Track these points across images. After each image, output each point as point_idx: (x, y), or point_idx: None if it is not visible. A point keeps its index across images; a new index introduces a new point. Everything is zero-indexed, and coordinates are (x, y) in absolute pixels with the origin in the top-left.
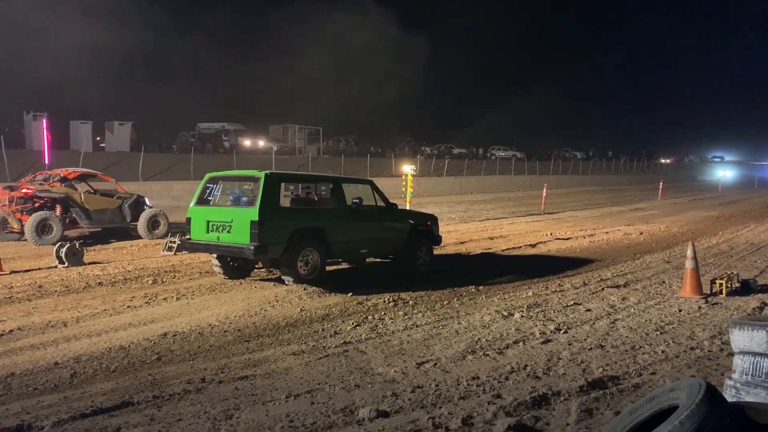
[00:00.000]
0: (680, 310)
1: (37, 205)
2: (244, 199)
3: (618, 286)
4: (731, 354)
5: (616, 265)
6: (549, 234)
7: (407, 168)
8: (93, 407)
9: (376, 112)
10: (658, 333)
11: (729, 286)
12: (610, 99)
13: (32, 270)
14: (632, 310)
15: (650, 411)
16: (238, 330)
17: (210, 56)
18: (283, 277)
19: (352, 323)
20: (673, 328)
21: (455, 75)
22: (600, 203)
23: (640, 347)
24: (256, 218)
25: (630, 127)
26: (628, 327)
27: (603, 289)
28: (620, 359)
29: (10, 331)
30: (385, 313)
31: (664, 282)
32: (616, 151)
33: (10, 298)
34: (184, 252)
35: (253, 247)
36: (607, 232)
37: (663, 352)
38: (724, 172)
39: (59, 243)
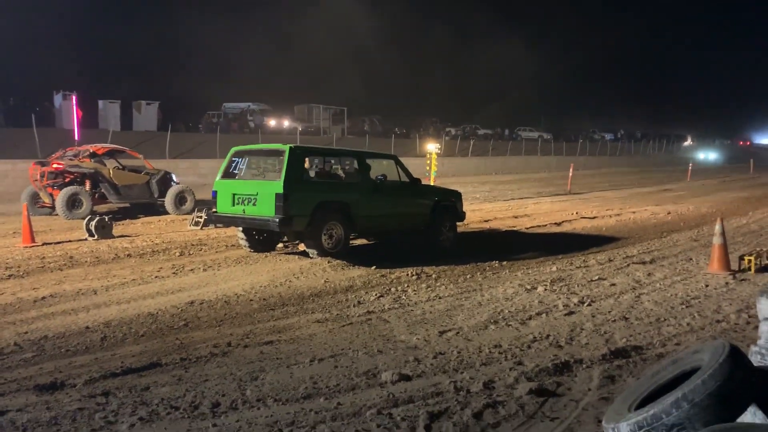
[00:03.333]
0: (707, 286)
1: (67, 180)
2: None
3: (644, 263)
4: (758, 326)
5: (643, 243)
6: (575, 213)
7: (431, 147)
8: (123, 367)
9: (400, 93)
10: (684, 306)
11: (758, 263)
12: (640, 80)
13: (63, 242)
14: (658, 285)
15: (673, 373)
16: (264, 299)
17: (234, 38)
18: (307, 250)
19: (376, 294)
20: (699, 302)
21: (482, 56)
22: (627, 184)
23: (665, 320)
24: (281, 191)
25: (659, 109)
26: (653, 301)
27: (628, 265)
28: (644, 330)
29: (43, 298)
30: (408, 286)
31: (691, 259)
32: (645, 133)
33: (42, 267)
34: (210, 226)
35: (277, 220)
36: (634, 212)
37: (688, 324)
38: (705, 154)
39: (89, 217)
